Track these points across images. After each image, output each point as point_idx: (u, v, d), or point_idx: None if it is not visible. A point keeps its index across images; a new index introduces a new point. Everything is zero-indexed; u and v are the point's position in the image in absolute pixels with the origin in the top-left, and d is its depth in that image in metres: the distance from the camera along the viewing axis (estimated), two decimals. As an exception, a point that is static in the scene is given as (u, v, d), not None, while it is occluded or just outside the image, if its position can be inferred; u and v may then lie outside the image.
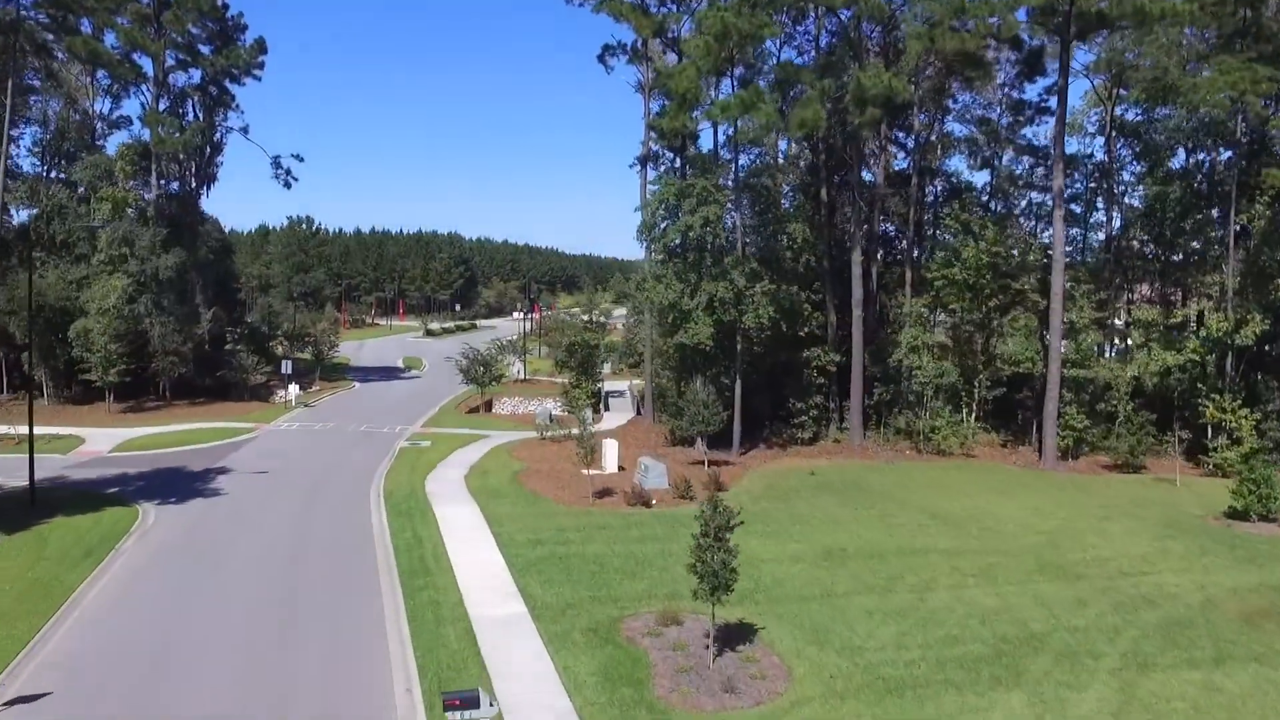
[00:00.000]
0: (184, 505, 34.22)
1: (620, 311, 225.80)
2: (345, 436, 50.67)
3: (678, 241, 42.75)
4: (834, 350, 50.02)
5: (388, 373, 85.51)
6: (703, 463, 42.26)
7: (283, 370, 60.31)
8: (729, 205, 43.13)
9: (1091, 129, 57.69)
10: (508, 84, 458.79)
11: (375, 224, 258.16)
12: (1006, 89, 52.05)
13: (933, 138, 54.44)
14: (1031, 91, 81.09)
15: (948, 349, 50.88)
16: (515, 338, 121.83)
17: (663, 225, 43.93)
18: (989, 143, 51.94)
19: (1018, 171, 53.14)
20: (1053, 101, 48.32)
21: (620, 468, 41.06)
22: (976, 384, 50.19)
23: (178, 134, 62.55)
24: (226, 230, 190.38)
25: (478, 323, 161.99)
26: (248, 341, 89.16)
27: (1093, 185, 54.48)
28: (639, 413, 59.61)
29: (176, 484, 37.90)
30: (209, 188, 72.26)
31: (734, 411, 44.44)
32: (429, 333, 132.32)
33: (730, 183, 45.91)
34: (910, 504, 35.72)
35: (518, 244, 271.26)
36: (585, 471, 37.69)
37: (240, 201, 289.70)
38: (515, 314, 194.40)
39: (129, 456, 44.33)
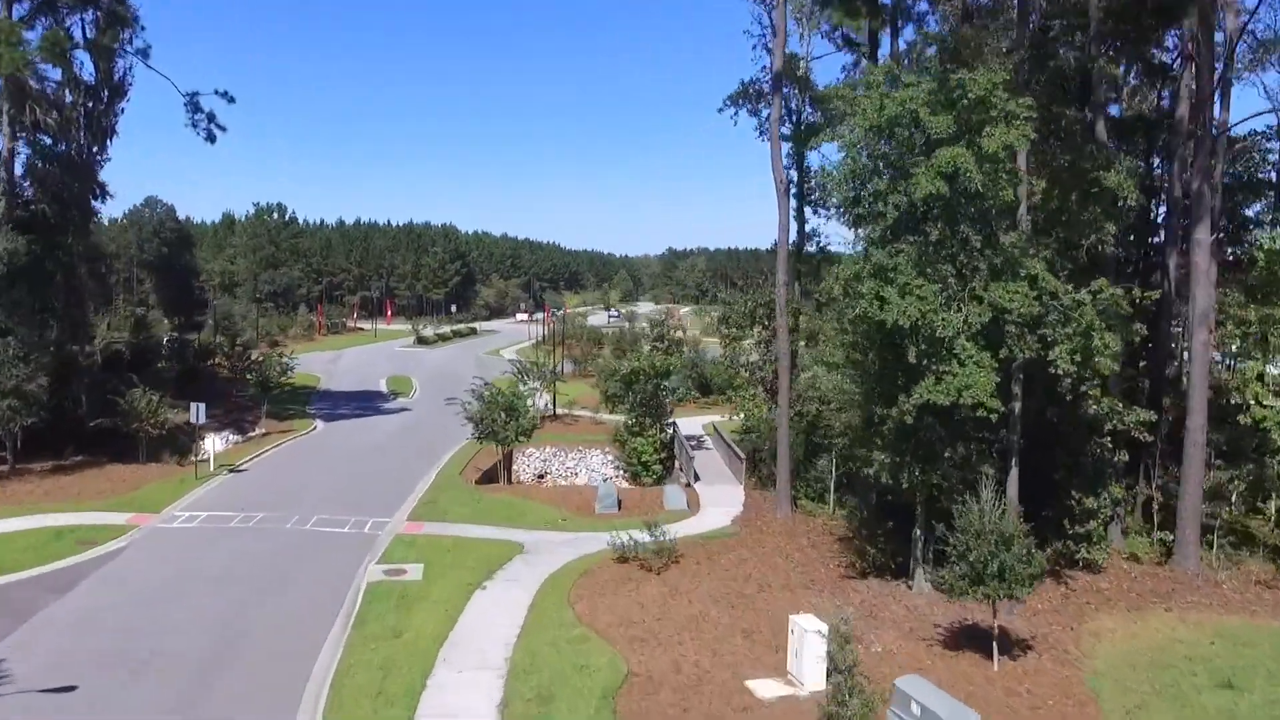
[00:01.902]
0: None
1: (644, 308, 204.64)
2: (272, 548, 29.02)
3: (922, 203, 21.10)
4: (1131, 401, 28.59)
5: (366, 401, 63.72)
6: (992, 644, 20.78)
7: (192, 418, 38.34)
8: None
9: None
10: (503, 64, 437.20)
11: (361, 215, 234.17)
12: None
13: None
14: None
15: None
16: (529, 344, 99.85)
17: (883, 173, 22.16)
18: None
19: None
20: None
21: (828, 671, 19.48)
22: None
23: (32, 47, 40.65)
24: (186, 220, 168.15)
25: (477, 325, 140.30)
26: (174, 360, 67.61)
27: None
28: (744, 483, 38.16)
29: None
30: (106, 145, 50.03)
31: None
32: (421, 340, 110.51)
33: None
34: None
35: (517, 238, 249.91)
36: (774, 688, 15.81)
37: (204, 189, 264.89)
38: (519, 315, 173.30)
39: None
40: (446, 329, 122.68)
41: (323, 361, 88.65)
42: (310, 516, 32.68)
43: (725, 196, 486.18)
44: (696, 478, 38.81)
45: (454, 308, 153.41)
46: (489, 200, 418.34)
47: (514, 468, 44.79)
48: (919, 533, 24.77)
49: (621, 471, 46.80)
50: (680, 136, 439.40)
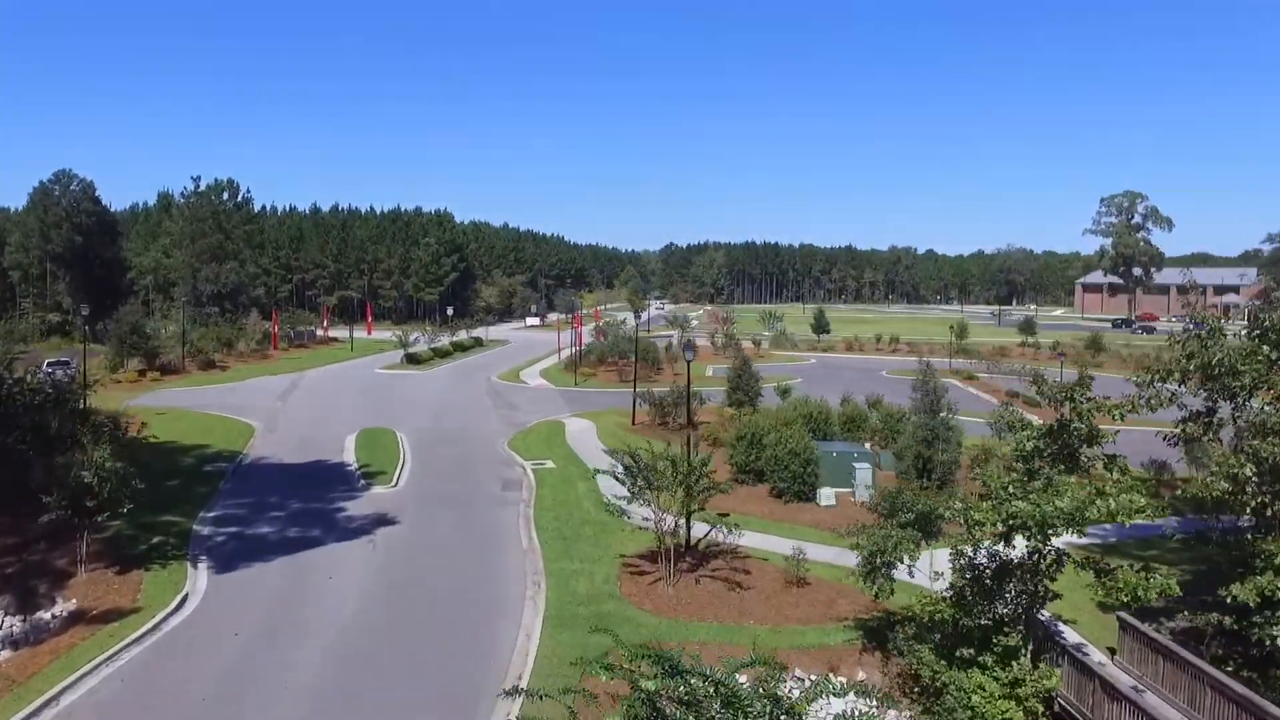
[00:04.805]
0: None
1: (672, 308, 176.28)
2: None
3: None
4: None
5: (313, 492, 35.13)
6: None
7: None
8: None
9: None
10: (493, 45, 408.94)
11: (339, 201, 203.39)
12: None
13: None
14: None
15: None
16: (555, 362, 71.57)
17: None
18: None
19: None
20: None
21: None
22: None
23: None
24: (134, 206, 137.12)
25: (484, 335, 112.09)
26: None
27: None
28: None
29: None
30: None
31: None
32: (410, 358, 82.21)
33: None
34: None
35: (519, 230, 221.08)
36: None
37: (148, 171, 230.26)
38: (529, 319, 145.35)
39: None
40: (444, 340, 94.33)
41: (270, 394, 60.56)
42: None
43: (733, 191, 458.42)
44: None
45: (450, 310, 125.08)
46: (485, 188, 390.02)
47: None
48: None
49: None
50: (682, 129, 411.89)
